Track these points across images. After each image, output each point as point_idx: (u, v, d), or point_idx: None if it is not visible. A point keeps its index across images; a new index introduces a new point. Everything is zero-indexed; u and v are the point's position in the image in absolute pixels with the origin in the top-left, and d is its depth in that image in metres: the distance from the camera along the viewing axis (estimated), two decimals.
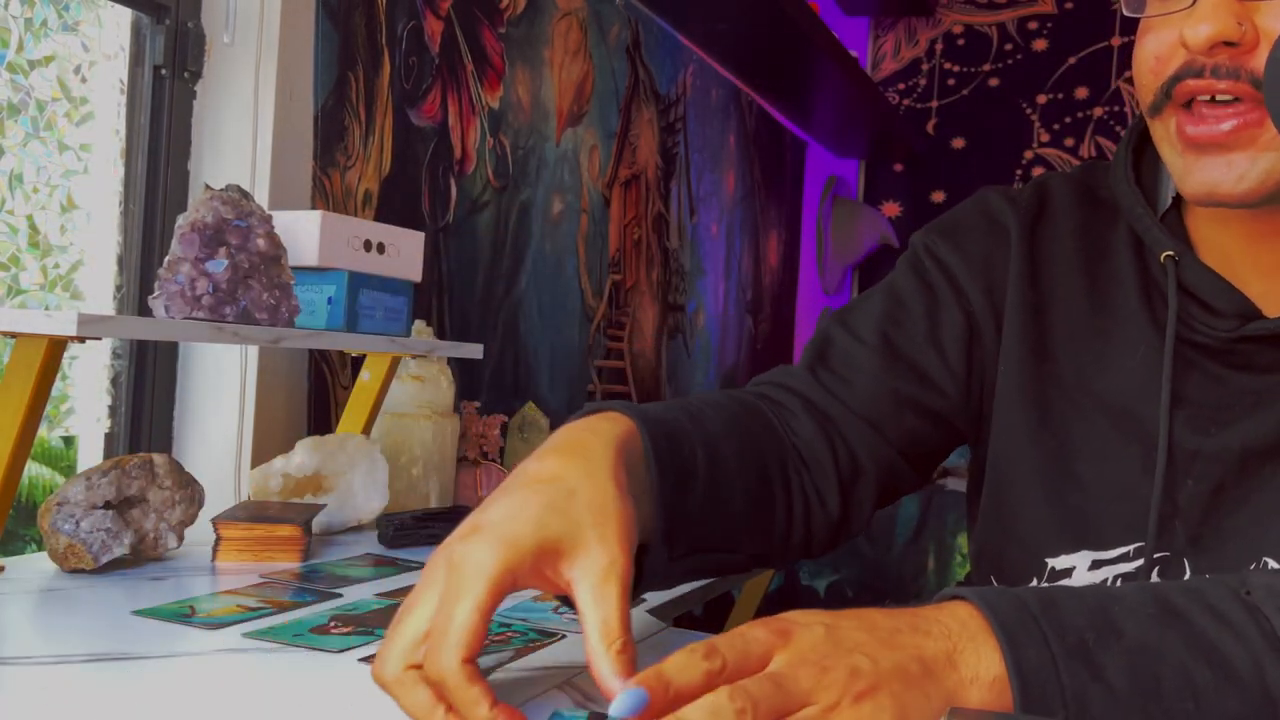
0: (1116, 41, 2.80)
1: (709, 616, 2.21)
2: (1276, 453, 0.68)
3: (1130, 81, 2.77)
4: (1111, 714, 0.48)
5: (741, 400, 0.73)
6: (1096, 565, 0.72)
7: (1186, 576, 0.70)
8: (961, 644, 0.49)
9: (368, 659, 0.62)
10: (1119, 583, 0.71)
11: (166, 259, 0.88)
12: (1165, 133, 0.66)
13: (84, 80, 1.11)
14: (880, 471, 0.76)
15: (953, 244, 0.79)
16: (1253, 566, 0.67)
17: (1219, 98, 0.62)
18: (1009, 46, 2.91)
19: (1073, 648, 0.49)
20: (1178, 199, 0.73)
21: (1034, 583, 0.75)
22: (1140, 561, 0.70)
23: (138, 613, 0.70)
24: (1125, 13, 0.67)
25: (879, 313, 0.78)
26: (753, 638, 0.47)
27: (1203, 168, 0.63)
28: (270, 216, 0.94)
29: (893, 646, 0.47)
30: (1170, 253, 0.70)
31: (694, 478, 0.62)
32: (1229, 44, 0.61)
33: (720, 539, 0.65)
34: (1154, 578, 0.70)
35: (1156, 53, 0.65)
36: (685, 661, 0.45)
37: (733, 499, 0.66)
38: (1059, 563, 0.73)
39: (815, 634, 0.47)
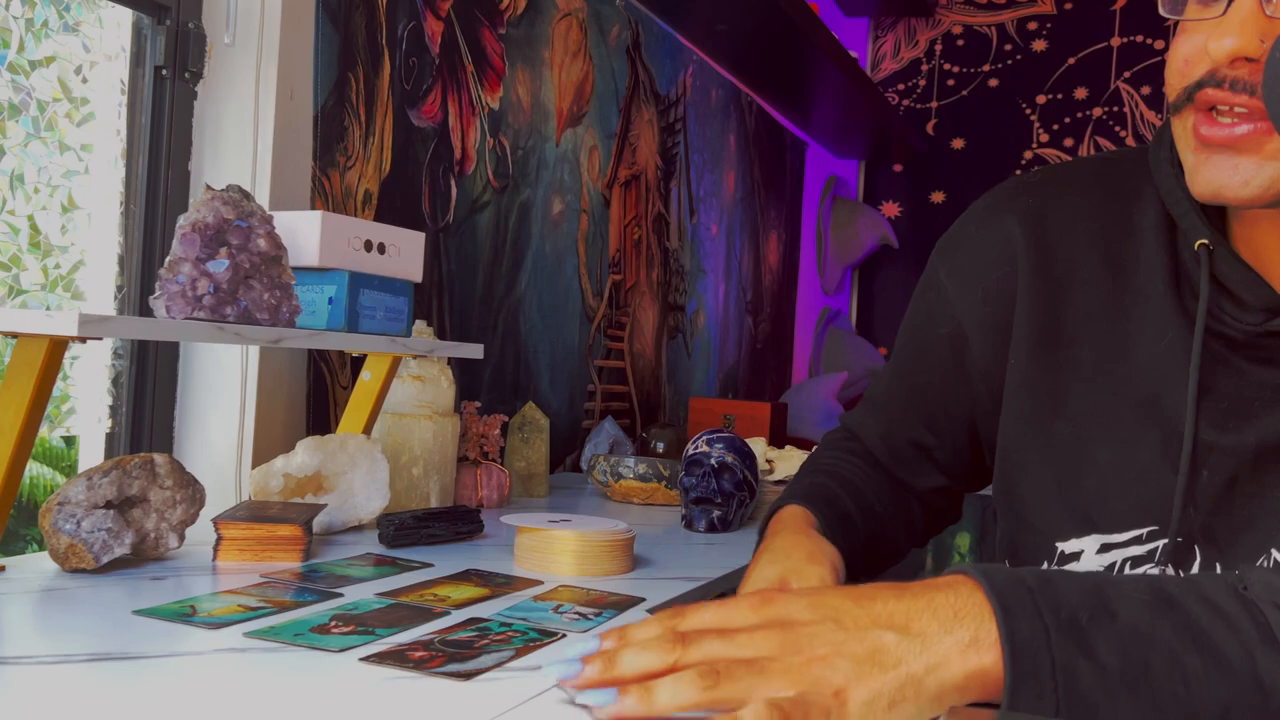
0: (1116, 42, 2.80)
1: None
2: None
3: (1130, 82, 2.78)
4: (1100, 690, 0.49)
5: (854, 451, 0.93)
6: (1105, 548, 0.73)
7: (1197, 563, 0.70)
8: (964, 611, 0.52)
9: (368, 658, 0.62)
10: (1129, 566, 0.72)
11: (167, 259, 0.88)
12: (1183, 131, 0.67)
13: (85, 81, 1.11)
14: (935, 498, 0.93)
15: (950, 264, 0.82)
16: (1261, 559, 0.68)
17: (1237, 109, 0.63)
18: (1008, 47, 2.91)
19: (1065, 624, 0.50)
20: None
21: (1044, 566, 0.76)
22: (1153, 545, 0.71)
23: (139, 612, 0.70)
24: (1162, 13, 0.68)
25: (902, 395, 0.90)
26: (735, 604, 0.54)
27: (1211, 167, 0.64)
28: (271, 217, 0.94)
29: (868, 621, 0.52)
30: (1204, 241, 0.70)
31: (854, 524, 0.85)
32: (1250, 60, 0.61)
33: (881, 556, 0.89)
34: (1166, 563, 0.71)
35: (1186, 55, 0.66)
36: (651, 634, 0.54)
37: (883, 527, 0.88)
38: (1068, 546, 0.74)
39: (797, 602, 0.54)
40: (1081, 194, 0.78)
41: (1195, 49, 0.65)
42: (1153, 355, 0.73)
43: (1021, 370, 0.77)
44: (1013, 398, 0.78)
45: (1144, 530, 0.72)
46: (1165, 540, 0.71)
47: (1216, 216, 0.72)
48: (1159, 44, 2.76)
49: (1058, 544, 0.75)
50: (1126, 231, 0.76)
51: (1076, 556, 0.74)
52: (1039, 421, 0.76)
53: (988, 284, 0.79)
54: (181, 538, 0.88)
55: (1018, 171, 2.89)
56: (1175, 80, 0.67)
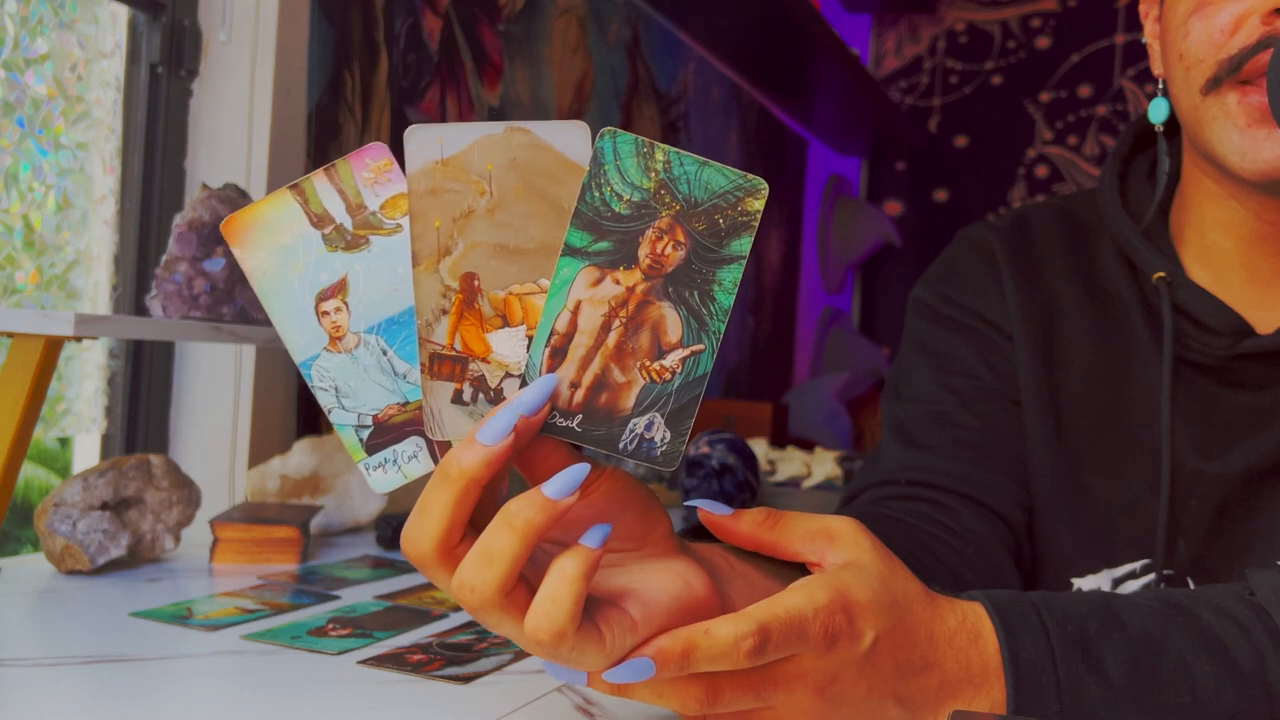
0: (1120, 39, 2.79)
1: None
2: (1278, 472, 0.68)
3: (1134, 79, 2.77)
4: (1105, 706, 0.47)
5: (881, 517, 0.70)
6: (1117, 583, 0.71)
7: None
8: (972, 666, 0.48)
9: (366, 661, 0.61)
10: None
11: (163, 258, 0.87)
12: (1220, 110, 0.63)
13: (80, 78, 1.10)
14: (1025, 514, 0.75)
15: (959, 284, 0.79)
16: None
17: None
18: (1011, 44, 2.90)
19: (1072, 637, 0.48)
20: (1163, 210, 0.73)
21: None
22: (1147, 578, 0.71)
23: (135, 614, 0.69)
24: None
25: (931, 376, 0.77)
26: (805, 638, 0.42)
27: (1276, 141, 0.61)
28: None
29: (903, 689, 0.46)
30: (1162, 274, 0.69)
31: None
32: None
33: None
34: None
35: (1223, 26, 0.62)
36: (728, 648, 0.40)
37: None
38: (1085, 584, 0.73)
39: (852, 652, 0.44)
40: (1049, 233, 0.78)
41: (1232, 17, 0.61)
42: (1135, 386, 0.72)
43: (1029, 389, 0.75)
44: (1025, 417, 0.76)
45: (1137, 564, 0.71)
46: (1159, 573, 0.70)
47: (1169, 249, 0.72)
48: None
49: (1074, 580, 0.73)
50: (1094, 268, 0.75)
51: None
52: (1046, 443, 0.74)
53: (1003, 295, 0.77)
54: (178, 539, 0.87)
55: (1020, 170, 2.89)
56: (1208, 53, 0.63)
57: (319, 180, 0.41)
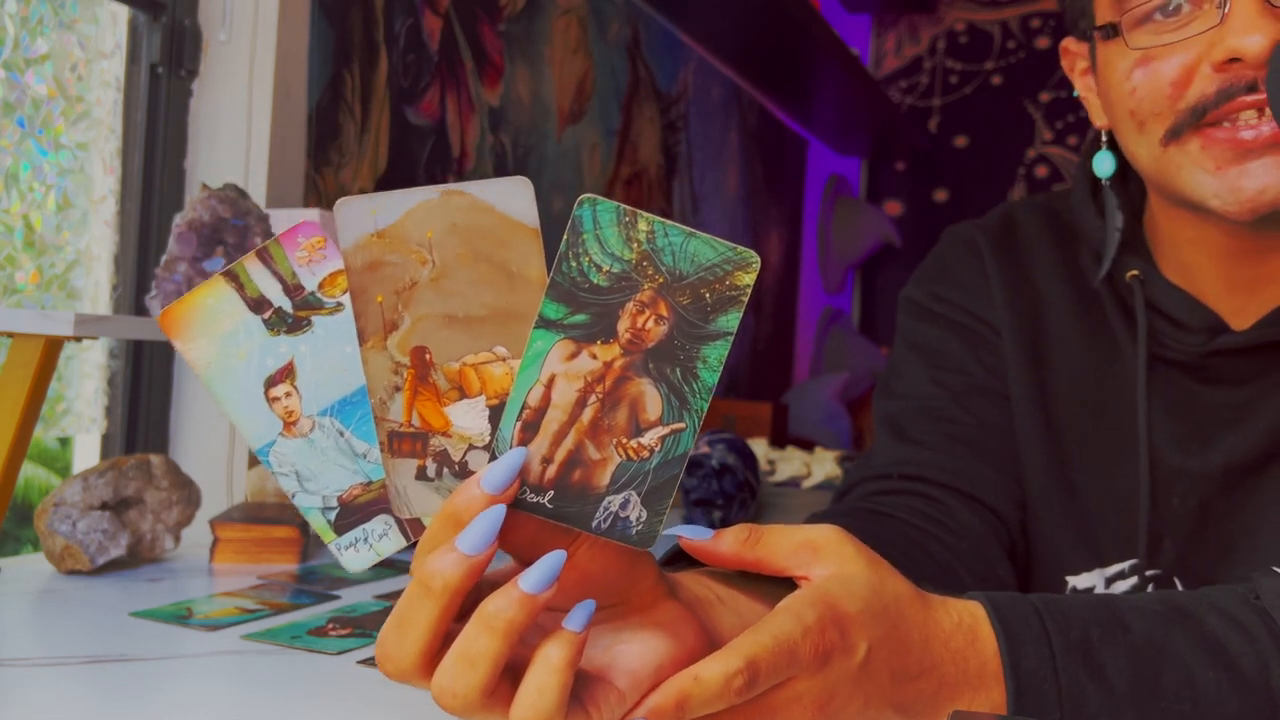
0: None
1: None
2: (1258, 468, 0.68)
3: None
4: (1107, 712, 0.47)
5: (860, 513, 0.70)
6: (1109, 582, 0.71)
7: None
8: (970, 674, 0.47)
9: (366, 661, 0.61)
10: None
11: (163, 258, 0.87)
12: (1186, 158, 0.63)
13: (80, 78, 1.10)
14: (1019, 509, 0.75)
15: (950, 281, 0.79)
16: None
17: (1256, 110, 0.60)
18: (1011, 44, 2.90)
19: (1074, 643, 0.48)
20: (1136, 214, 0.73)
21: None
22: (1135, 579, 0.71)
23: (135, 614, 0.69)
24: (1130, 47, 0.63)
25: (923, 372, 0.77)
26: (797, 661, 0.41)
27: (1254, 173, 0.61)
28: (268, 216, 0.93)
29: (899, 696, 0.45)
30: (1135, 272, 0.69)
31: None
32: None
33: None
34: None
35: (1172, 78, 0.62)
36: (719, 689, 0.39)
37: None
38: (1079, 581, 0.73)
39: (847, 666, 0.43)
40: (1034, 231, 0.78)
41: (1181, 67, 0.62)
42: (1116, 384, 0.72)
43: (1019, 385, 0.75)
44: (1016, 413, 0.76)
45: (1126, 564, 0.71)
46: (1143, 574, 0.70)
47: (1142, 249, 0.72)
48: None
49: (1068, 578, 0.73)
50: (1076, 269, 0.75)
51: (1089, 592, 0.72)
52: (1038, 439, 0.74)
53: (990, 291, 0.77)
54: (178, 539, 0.87)
55: (1020, 170, 2.89)
56: (1164, 106, 0.63)
57: (251, 264, 0.40)
